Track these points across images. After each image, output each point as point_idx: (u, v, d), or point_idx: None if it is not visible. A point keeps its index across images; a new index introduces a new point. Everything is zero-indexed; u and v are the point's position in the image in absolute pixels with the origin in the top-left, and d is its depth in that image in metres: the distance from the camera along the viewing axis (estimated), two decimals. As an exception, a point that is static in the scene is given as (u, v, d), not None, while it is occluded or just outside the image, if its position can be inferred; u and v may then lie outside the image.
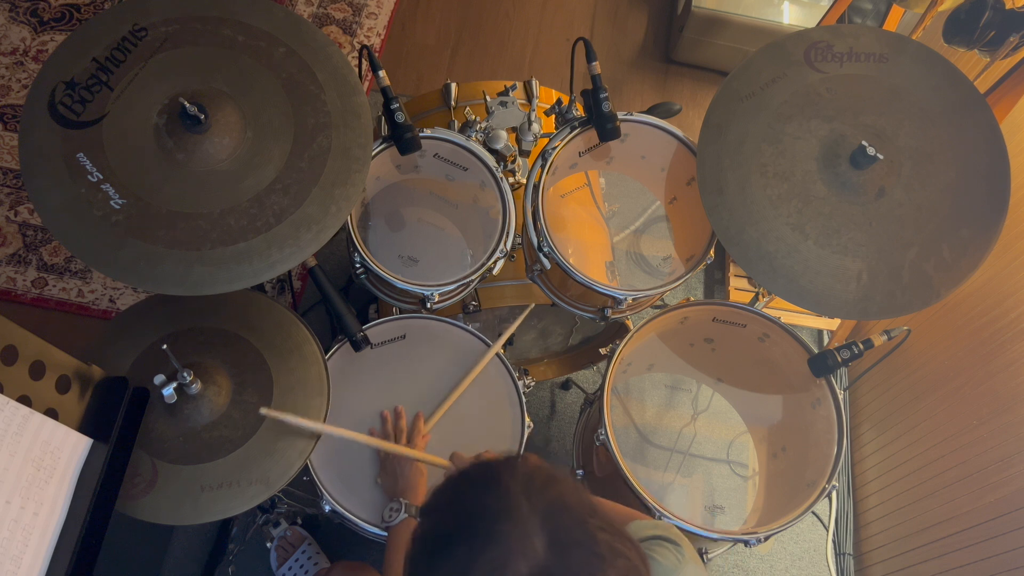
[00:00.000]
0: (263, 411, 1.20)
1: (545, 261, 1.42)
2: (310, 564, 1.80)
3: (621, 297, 1.44)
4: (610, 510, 1.13)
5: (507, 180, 1.45)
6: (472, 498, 0.79)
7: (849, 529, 2.07)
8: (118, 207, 1.08)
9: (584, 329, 1.89)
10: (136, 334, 1.27)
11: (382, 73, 1.34)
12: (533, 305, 1.58)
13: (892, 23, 2.01)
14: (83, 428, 1.04)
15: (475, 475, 0.82)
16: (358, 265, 1.39)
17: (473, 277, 1.39)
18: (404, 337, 1.51)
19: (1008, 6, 1.49)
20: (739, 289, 2.26)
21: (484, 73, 2.65)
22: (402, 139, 1.36)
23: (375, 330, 1.46)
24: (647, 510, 1.37)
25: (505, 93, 1.64)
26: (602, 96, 1.39)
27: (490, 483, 0.79)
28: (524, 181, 1.46)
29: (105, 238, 1.06)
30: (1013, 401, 1.57)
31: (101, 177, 1.08)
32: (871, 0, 2.24)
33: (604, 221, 1.79)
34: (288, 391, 1.25)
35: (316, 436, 1.24)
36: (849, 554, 2.04)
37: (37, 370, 1.01)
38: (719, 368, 1.77)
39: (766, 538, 1.38)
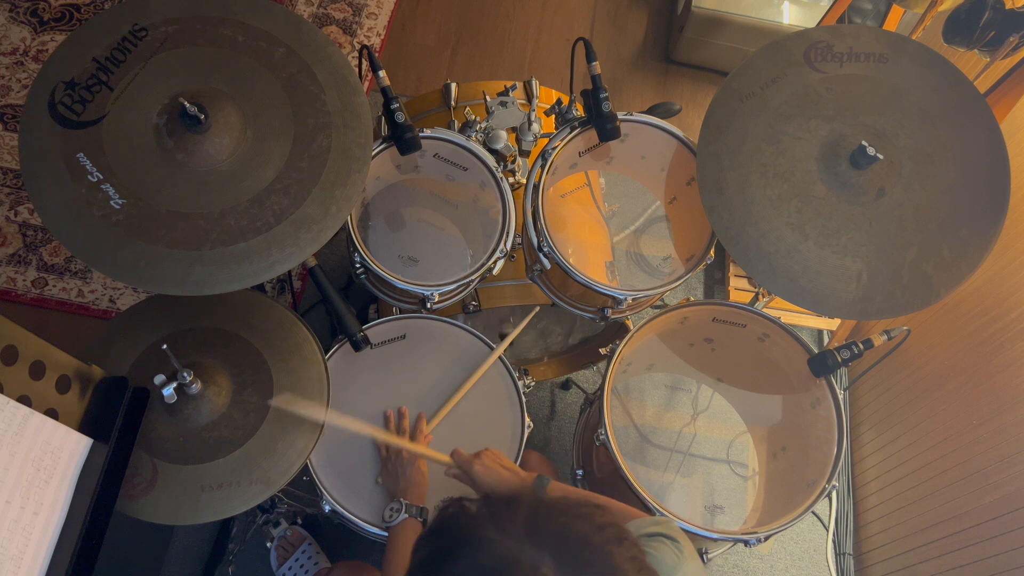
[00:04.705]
0: (271, 402, 1.22)
1: (545, 261, 1.42)
2: (310, 564, 1.80)
3: (621, 297, 1.44)
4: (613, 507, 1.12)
5: (507, 180, 1.45)
6: None
7: (849, 529, 2.07)
8: (118, 207, 1.08)
9: (584, 329, 1.89)
10: (136, 334, 1.27)
11: (382, 73, 1.34)
12: (538, 308, 1.58)
13: (892, 23, 2.01)
14: (83, 428, 1.04)
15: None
16: (358, 265, 1.39)
17: (473, 277, 1.39)
18: (404, 337, 1.51)
19: (1008, 6, 1.49)
20: (739, 289, 2.26)
21: (484, 73, 2.65)
22: (402, 139, 1.36)
23: (375, 330, 1.46)
24: (647, 510, 1.37)
25: (505, 93, 1.64)
26: (602, 96, 1.39)
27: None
28: (524, 181, 1.46)
29: (105, 238, 1.06)
30: (1013, 401, 1.57)
31: (101, 177, 1.08)
32: (871, 0, 2.23)
33: (604, 221, 1.79)
34: (288, 391, 1.25)
35: (321, 425, 1.25)
36: (849, 554, 2.04)
37: (37, 370, 1.01)
38: (719, 368, 1.77)
39: (766, 538, 1.38)
